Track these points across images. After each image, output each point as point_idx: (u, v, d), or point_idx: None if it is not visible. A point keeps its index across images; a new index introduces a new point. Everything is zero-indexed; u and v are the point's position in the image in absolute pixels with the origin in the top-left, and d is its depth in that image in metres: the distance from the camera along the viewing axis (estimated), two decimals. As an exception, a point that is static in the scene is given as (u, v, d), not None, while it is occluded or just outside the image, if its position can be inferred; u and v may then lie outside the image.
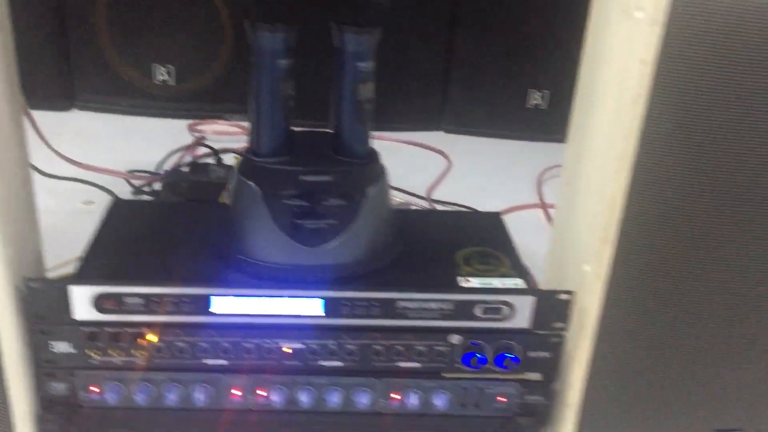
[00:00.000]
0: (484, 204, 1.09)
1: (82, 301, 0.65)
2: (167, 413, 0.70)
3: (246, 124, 1.57)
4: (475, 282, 0.68)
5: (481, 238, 0.76)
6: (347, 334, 0.68)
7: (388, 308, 0.67)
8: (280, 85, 0.63)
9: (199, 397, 0.69)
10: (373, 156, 0.68)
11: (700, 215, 0.62)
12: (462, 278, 0.69)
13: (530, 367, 0.70)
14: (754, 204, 0.62)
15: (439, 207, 1.31)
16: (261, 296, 0.66)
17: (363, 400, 0.70)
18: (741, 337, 0.68)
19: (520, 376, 0.71)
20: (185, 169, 1.22)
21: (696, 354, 0.68)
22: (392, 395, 0.71)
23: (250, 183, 0.65)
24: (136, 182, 1.22)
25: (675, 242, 0.63)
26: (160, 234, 0.75)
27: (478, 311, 0.68)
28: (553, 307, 0.68)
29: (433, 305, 0.67)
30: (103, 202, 1.15)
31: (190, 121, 1.57)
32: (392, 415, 0.72)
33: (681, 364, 0.69)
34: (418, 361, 0.70)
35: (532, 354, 0.70)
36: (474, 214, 0.83)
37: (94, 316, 0.66)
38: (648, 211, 0.62)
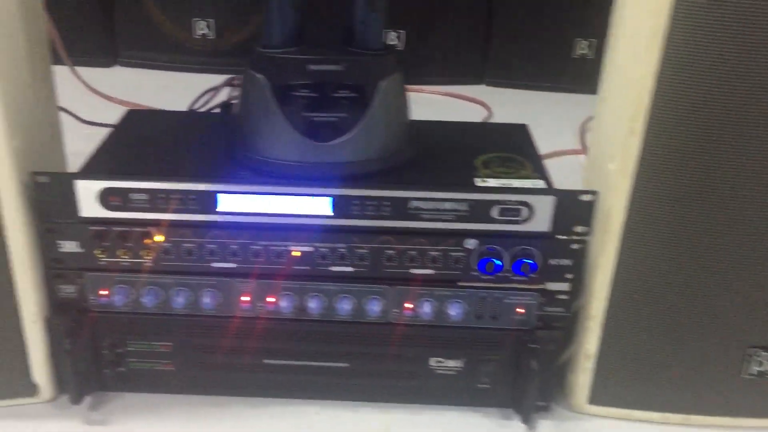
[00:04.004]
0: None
1: (88, 197, 0.64)
2: (175, 318, 0.69)
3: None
4: (492, 182, 0.65)
5: (504, 146, 0.72)
6: (358, 236, 0.65)
7: (400, 208, 0.64)
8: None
9: (207, 301, 0.68)
10: (388, 49, 0.65)
11: (736, 100, 0.57)
12: (479, 179, 0.65)
13: (550, 276, 0.67)
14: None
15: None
16: (267, 194, 0.63)
17: (374, 308, 0.68)
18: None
19: (539, 286, 0.67)
20: (217, 110, 1.21)
21: (735, 259, 0.63)
22: (405, 304, 0.68)
23: (258, 75, 0.63)
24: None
25: (709, 130, 0.58)
26: (170, 137, 0.74)
27: (494, 213, 0.64)
28: (575, 209, 0.64)
29: (447, 205, 0.64)
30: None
31: (230, 76, 1.57)
32: (405, 326, 0.69)
33: (717, 272, 0.64)
34: (432, 268, 0.67)
35: (553, 261, 0.66)
36: (499, 124, 0.79)
37: (101, 212, 0.65)
38: (680, 95, 0.58)
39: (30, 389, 0.70)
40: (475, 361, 0.70)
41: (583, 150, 1.24)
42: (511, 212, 0.64)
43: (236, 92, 1.31)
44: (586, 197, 0.63)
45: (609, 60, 0.71)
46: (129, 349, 0.70)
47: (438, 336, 0.69)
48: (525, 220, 0.64)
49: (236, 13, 1.57)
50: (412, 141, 0.69)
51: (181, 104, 1.31)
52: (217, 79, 1.56)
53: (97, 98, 1.37)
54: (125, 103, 1.34)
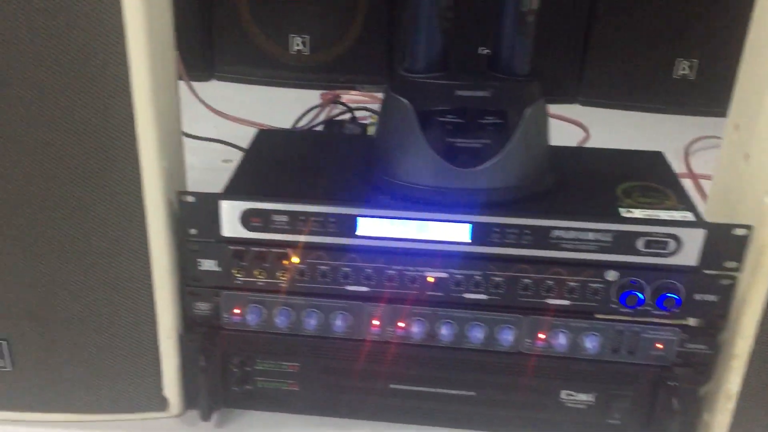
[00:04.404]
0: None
1: (231, 217, 0.65)
2: (304, 339, 0.69)
3: (378, 94, 1.57)
4: (638, 213, 0.63)
5: (642, 174, 0.71)
6: (495, 264, 0.65)
7: (541, 237, 0.63)
8: (439, -4, 0.61)
9: (339, 324, 0.68)
10: (533, 75, 0.64)
11: None
12: (624, 209, 0.64)
13: (694, 311, 0.64)
14: None
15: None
16: (408, 219, 0.63)
17: (507, 337, 0.67)
18: None
19: (681, 321, 0.65)
20: (320, 128, 1.22)
21: None
22: (538, 335, 0.67)
23: (402, 98, 0.63)
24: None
25: None
26: (305, 158, 0.75)
27: (640, 245, 0.62)
28: (726, 244, 0.62)
29: (590, 236, 0.63)
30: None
31: (323, 91, 1.59)
32: (537, 356, 0.67)
33: None
34: (569, 299, 0.65)
35: (698, 296, 0.64)
36: (634, 152, 0.77)
37: (242, 233, 0.65)
38: None
39: (160, 404, 0.71)
40: (607, 395, 0.68)
41: (690, 174, 1.20)
42: (657, 245, 0.62)
43: (336, 110, 1.32)
44: (740, 231, 0.61)
45: (745, 83, 0.68)
46: (257, 367, 0.71)
47: (571, 368, 0.68)
48: (672, 254, 0.62)
49: (331, 30, 1.58)
50: (551, 168, 0.68)
51: (278, 118, 1.32)
52: (311, 94, 1.58)
53: (195, 112, 1.40)
54: (230, 118, 1.36)
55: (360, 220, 0.64)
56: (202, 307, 0.69)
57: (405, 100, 0.63)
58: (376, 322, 0.68)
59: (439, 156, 0.63)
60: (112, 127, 0.60)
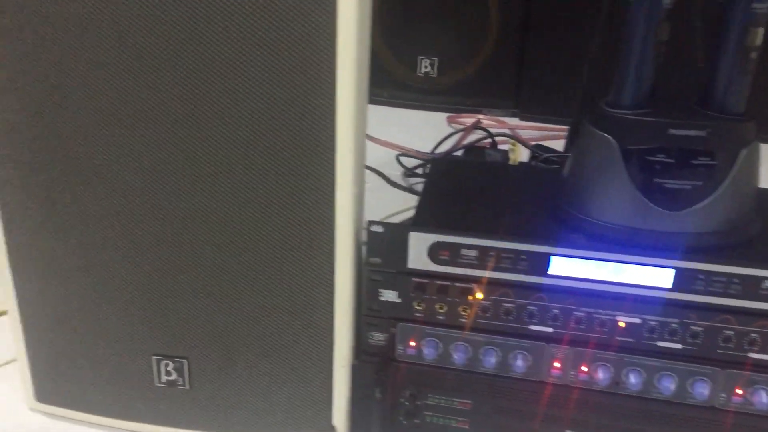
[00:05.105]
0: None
1: (418, 249, 0.64)
2: (480, 377, 0.67)
3: (504, 118, 1.55)
4: None
5: None
6: (695, 313, 0.61)
7: (751, 287, 0.59)
8: (657, 28, 0.58)
9: (518, 364, 0.66)
10: (749, 114, 0.61)
11: None
12: (843, 262, 0.59)
13: None
14: None
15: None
16: (606, 260, 0.61)
17: (700, 391, 0.63)
18: None
19: None
20: (458, 153, 1.21)
21: None
22: (736, 390, 0.63)
23: (606, 136, 0.61)
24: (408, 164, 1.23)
25: None
26: (482, 189, 0.73)
27: None
28: None
29: (807, 289, 0.58)
30: (374, 182, 1.19)
31: (449, 114, 1.58)
32: (732, 413, 0.63)
33: None
34: (774, 354, 0.61)
35: None
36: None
37: (428, 265, 0.64)
38: None
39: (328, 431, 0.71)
40: (809, 459, 0.63)
41: None
42: None
43: (475, 136, 1.30)
44: None
45: None
46: (428, 402, 0.69)
47: (769, 428, 0.63)
48: None
49: (460, 53, 1.58)
50: (759, 213, 0.64)
51: (407, 139, 1.32)
52: (436, 116, 1.58)
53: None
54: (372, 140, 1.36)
55: (553, 259, 0.62)
56: (378, 337, 0.68)
57: (610, 137, 0.60)
58: (557, 365, 0.65)
59: (644, 197, 0.60)
60: (311, 153, 0.60)
